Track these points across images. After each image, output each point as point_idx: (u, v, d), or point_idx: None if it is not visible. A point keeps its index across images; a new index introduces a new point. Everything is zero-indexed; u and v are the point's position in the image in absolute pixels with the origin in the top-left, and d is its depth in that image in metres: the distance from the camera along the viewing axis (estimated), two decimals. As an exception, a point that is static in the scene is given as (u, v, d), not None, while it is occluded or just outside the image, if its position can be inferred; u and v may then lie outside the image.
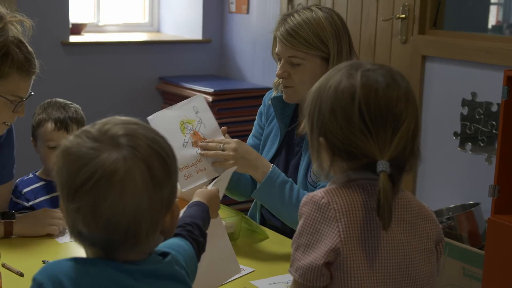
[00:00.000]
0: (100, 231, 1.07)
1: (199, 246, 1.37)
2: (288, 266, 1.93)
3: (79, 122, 2.34)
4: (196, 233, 1.38)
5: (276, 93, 2.20)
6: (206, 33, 5.19)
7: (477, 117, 3.39)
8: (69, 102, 2.39)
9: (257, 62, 4.96)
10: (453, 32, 3.68)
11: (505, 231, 2.73)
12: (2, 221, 2.10)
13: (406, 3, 3.77)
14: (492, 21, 3.94)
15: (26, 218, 2.16)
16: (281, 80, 2.11)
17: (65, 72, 4.69)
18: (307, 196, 1.35)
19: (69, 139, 1.11)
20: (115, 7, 5.32)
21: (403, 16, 3.78)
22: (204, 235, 1.42)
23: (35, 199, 2.38)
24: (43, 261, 1.91)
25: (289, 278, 1.91)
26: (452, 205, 3.33)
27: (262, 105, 2.29)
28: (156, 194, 1.08)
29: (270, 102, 2.21)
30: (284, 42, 2.02)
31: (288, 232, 2.20)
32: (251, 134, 2.32)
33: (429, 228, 1.39)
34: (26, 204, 2.33)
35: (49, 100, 2.39)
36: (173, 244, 1.28)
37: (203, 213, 1.49)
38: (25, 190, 2.35)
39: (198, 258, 1.37)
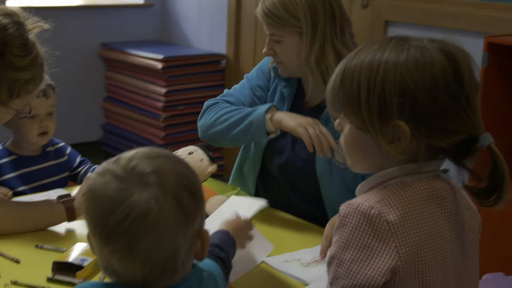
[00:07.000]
0: (137, 270, 1.08)
1: (224, 262, 1.41)
2: (296, 242, 1.89)
3: (52, 87, 2.31)
4: (215, 251, 1.42)
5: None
6: (147, -4, 5.00)
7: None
8: None
9: (204, 27, 4.81)
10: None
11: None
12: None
13: (367, -33, 3.71)
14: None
15: None
16: None
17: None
18: (349, 205, 1.20)
19: (94, 179, 1.10)
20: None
21: (364, -21, 3.72)
22: (224, 250, 1.45)
23: (1, 175, 2.21)
24: (36, 246, 1.81)
25: (301, 255, 1.85)
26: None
27: (264, 63, 2.23)
28: (189, 227, 1.10)
29: (272, 72, 2.20)
30: (262, 21, 2.08)
31: (284, 206, 2.13)
32: (248, 86, 2.21)
33: (472, 220, 1.31)
34: None
35: None
36: (205, 264, 1.27)
37: (220, 234, 1.51)
38: None
39: (226, 274, 1.40)
